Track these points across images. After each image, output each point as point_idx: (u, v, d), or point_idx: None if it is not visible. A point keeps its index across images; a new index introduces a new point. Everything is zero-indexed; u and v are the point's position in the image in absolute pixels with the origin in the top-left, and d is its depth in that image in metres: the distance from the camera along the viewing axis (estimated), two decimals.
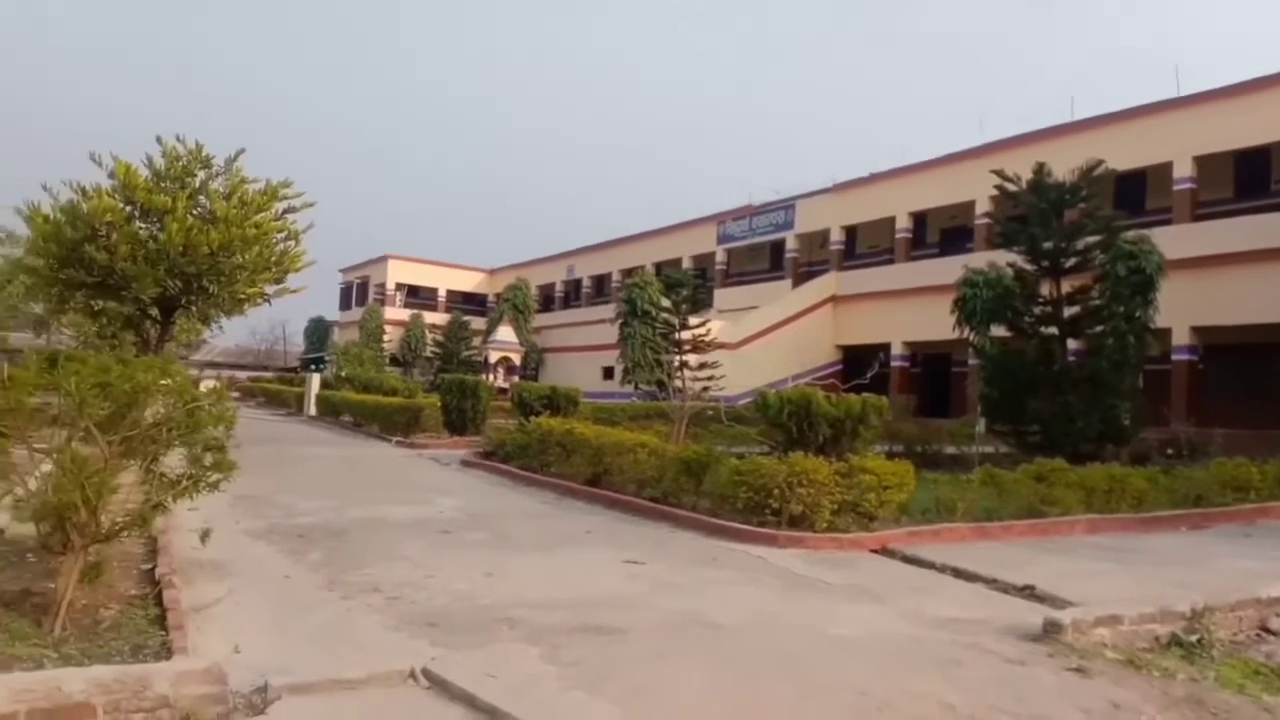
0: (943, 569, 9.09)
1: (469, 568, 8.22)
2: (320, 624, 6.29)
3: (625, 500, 12.62)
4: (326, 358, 53.89)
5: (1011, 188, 20.68)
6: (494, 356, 48.24)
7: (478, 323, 58.11)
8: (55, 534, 5.59)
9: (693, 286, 35.00)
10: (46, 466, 5.61)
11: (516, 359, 49.33)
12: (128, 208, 17.49)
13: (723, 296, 46.23)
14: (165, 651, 4.95)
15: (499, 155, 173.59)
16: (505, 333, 49.80)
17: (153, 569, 6.97)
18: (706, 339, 33.75)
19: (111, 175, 17.59)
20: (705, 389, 26.04)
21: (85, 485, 5.16)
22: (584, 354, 47.42)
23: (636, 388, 36.58)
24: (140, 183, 17.44)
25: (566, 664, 5.43)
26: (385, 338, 58.10)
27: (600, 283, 57.56)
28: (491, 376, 42.87)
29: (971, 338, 20.65)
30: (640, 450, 13.01)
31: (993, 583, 8.51)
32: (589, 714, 4.61)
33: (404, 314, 61.08)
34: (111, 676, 4.36)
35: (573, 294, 60.02)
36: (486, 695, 4.72)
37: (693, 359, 32.27)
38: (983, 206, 34.29)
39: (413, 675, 5.11)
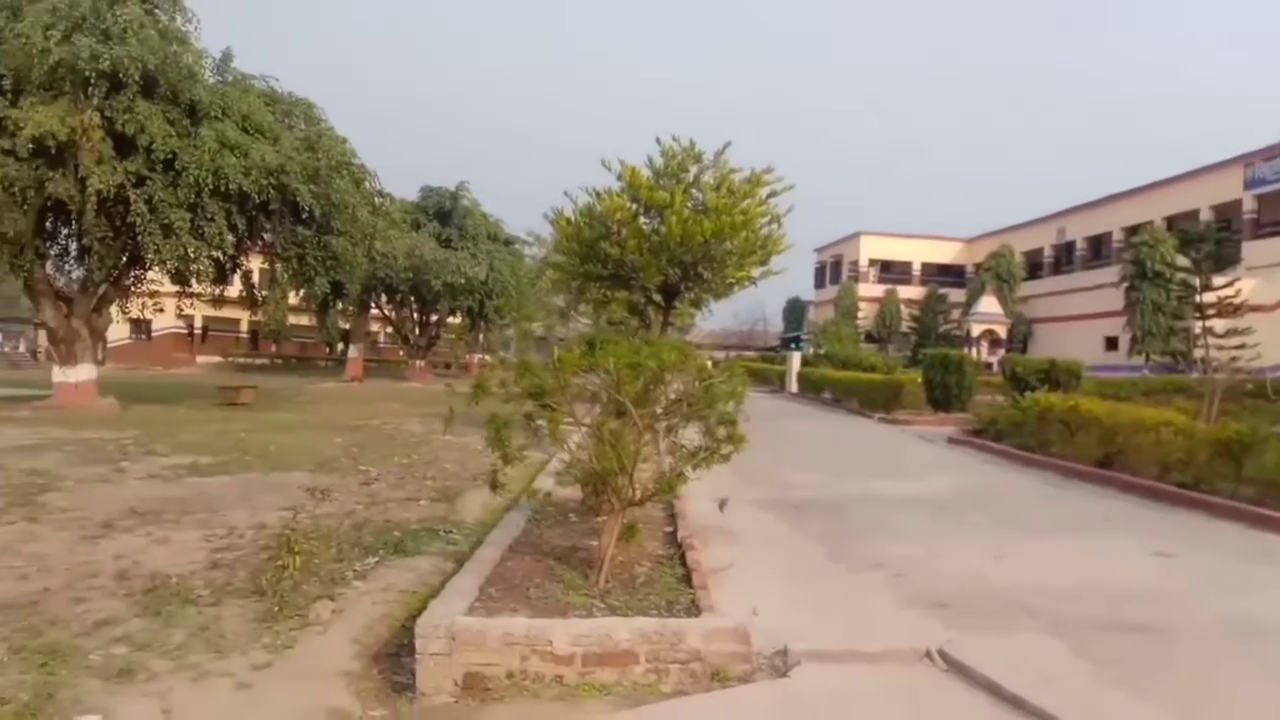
0: None
1: (974, 548, 7.87)
2: (828, 594, 6.40)
3: (1143, 485, 11.30)
4: (804, 336, 55.57)
5: None
6: (976, 330, 46.20)
7: (956, 295, 56.00)
8: (596, 497, 6.29)
9: (1215, 241, 30.47)
10: (575, 438, 6.31)
11: (1001, 331, 46.79)
12: (634, 205, 19.42)
13: (1253, 250, 39.60)
14: (694, 609, 5.31)
15: (977, 118, 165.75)
16: (988, 304, 47.43)
17: (673, 532, 7.59)
18: (1235, 301, 29.14)
19: (619, 177, 19.67)
20: (1233, 359, 22.51)
21: (622, 454, 5.72)
22: (1080, 323, 43.56)
23: (1148, 359, 32.82)
24: (643, 182, 19.27)
25: (1101, 661, 4.92)
26: (859, 314, 58.31)
27: (1097, 244, 52.24)
28: (974, 351, 41.07)
29: None
30: (1164, 429, 11.54)
31: None
32: (1138, 718, 4.11)
33: (878, 290, 60.72)
34: (652, 628, 4.78)
35: (1064, 258, 55.15)
36: (1013, 685, 4.43)
37: (1218, 324, 28.06)
38: None
39: (929, 655, 4.96)
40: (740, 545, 7.80)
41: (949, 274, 62.00)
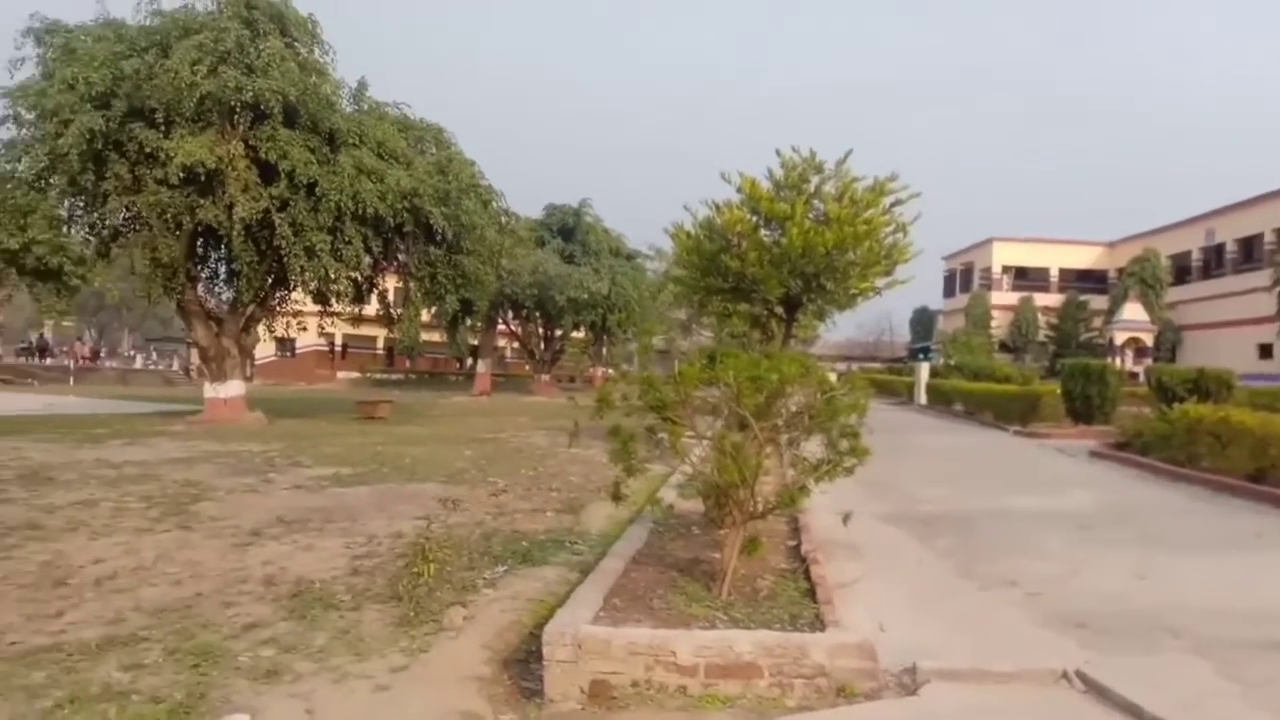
0: None
1: (1115, 567, 7.53)
2: (959, 612, 6.23)
3: None
4: (933, 347, 54.17)
5: None
6: (1119, 338, 44.17)
7: (1097, 302, 53.57)
8: (718, 509, 6.30)
9: None
10: (697, 450, 6.34)
11: (1147, 339, 44.59)
12: (754, 218, 19.39)
13: None
14: (818, 623, 5.26)
15: (1122, 116, 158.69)
16: (1132, 311, 45.26)
17: (797, 545, 7.53)
18: None
19: (739, 190, 19.68)
20: None
21: (743, 467, 5.73)
22: (1232, 330, 41.08)
23: None
24: (763, 194, 19.24)
25: (1251, 683, 4.65)
26: (993, 323, 56.39)
27: (1248, 246, 49.11)
28: (1117, 360, 39.22)
29: None
30: None
31: None
32: None
33: (1012, 297, 58.49)
34: (775, 642, 4.76)
35: (1213, 262, 52.04)
36: (1154, 708, 4.23)
37: None
38: None
39: (1065, 676, 4.79)
40: (866, 560, 7.68)
41: (1089, 280, 59.16)
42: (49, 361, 56.67)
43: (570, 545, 8.20)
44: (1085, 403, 21.11)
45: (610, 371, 46.74)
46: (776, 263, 18.91)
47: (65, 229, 24.88)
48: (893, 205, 19.55)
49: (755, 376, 5.92)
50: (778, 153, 19.66)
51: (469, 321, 38.71)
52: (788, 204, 18.87)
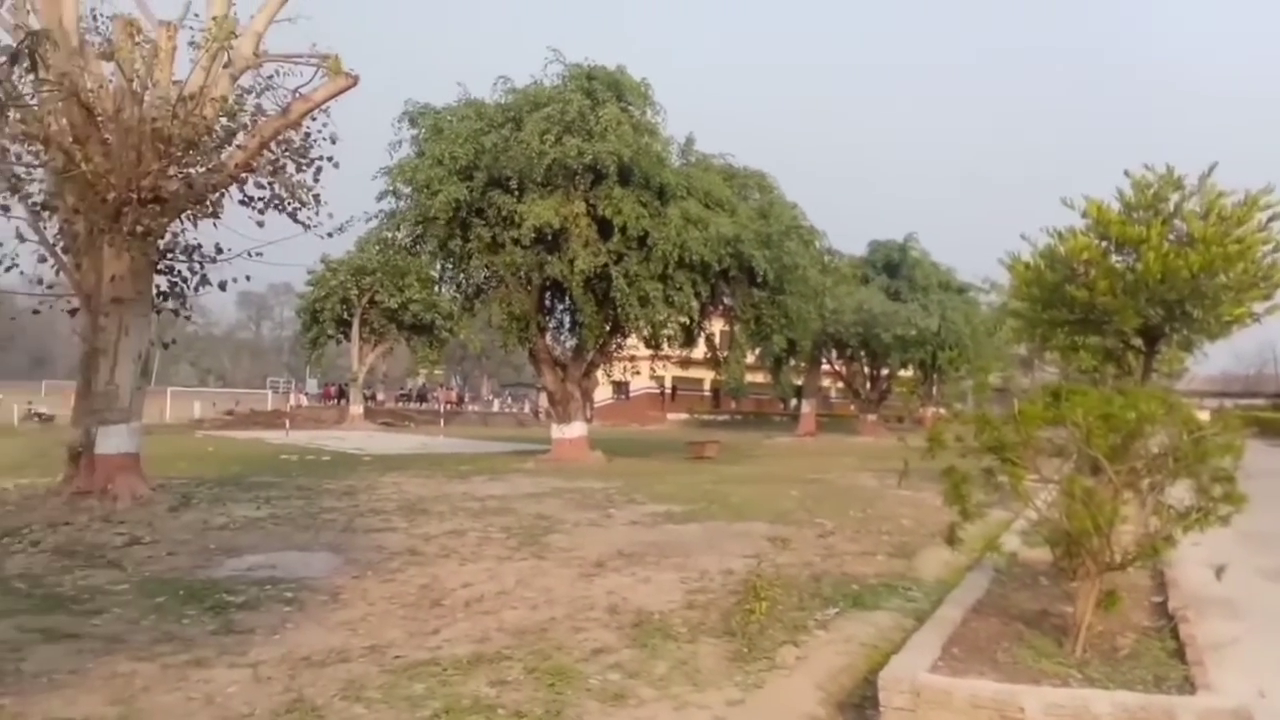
0: None
1: None
2: None
3: None
4: None
5: None
6: None
7: None
8: (1068, 559, 5.86)
9: None
10: (1045, 496, 5.94)
11: None
12: (1102, 244, 17.99)
13: None
14: (1187, 686, 4.75)
15: None
16: None
17: (1163, 602, 6.82)
18: None
19: (1083, 215, 18.34)
20: None
21: (1096, 514, 5.30)
22: None
23: None
24: (1112, 218, 17.82)
25: None
26: None
27: None
28: None
29: None
30: None
31: None
32: None
33: None
34: (1137, 704, 4.36)
35: None
36: None
37: None
38: None
39: None
40: (1245, 620, 6.79)
41: None
42: (423, 406, 64.02)
43: (904, 591, 7.98)
44: None
45: (942, 411, 44.90)
46: (1131, 291, 17.37)
47: (436, 288, 28.25)
48: (1269, 220, 17.33)
49: (1108, 415, 5.48)
50: (1126, 173, 18.16)
51: (793, 362, 38.88)
52: (1142, 226, 17.32)
